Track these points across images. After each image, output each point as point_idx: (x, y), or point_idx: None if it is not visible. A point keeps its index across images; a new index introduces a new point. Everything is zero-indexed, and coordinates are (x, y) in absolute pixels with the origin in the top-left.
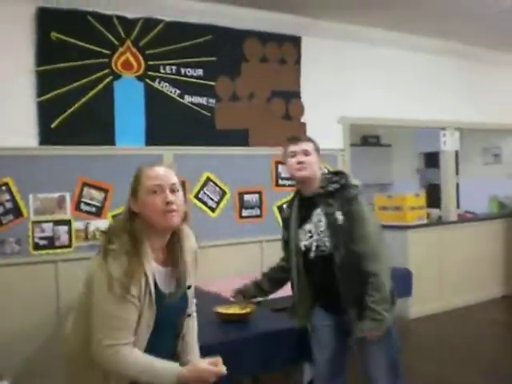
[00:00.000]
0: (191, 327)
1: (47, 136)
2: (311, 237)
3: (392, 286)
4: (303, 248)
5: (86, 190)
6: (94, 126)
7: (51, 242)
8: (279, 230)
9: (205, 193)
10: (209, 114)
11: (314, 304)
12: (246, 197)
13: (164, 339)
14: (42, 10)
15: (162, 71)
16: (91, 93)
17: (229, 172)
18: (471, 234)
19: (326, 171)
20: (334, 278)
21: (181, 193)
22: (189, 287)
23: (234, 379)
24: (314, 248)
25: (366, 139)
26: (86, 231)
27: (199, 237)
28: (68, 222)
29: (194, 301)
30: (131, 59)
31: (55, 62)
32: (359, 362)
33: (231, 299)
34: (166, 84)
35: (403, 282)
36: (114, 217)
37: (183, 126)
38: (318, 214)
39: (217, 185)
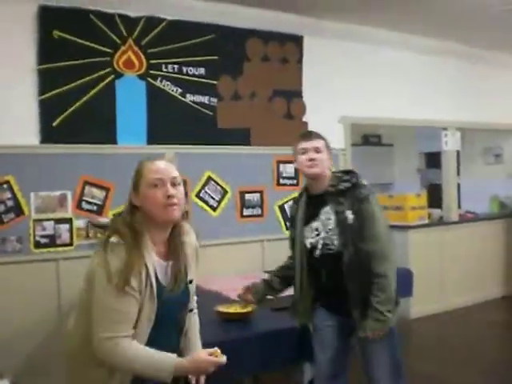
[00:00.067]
0: (193, 323)
1: (49, 134)
2: (318, 234)
3: (396, 287)
4: (309, 245)
5: (87, 188)
6: (96, 124)
7: (52, 241)
8: (280, 230)
9: (206, 192)
10: (210, 113)
11: (315, 303)
12: (247, 196)
13: (166, 334)
14: (44, 9)
15: (163, 70)
16: (93, 91)
17: (230, 171)
18: (472, 234)
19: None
20: (340, 276)
21: (181, 187)
22: (190, 281)
23: (235, 379)
24: (320, 246)
25: (368, 139)
26: (87, 230)
27: (200, 235)
28: (69, 221)
29: (195, 297)
30: (133, 58)
31: (57, 60)
32: (361, 362)
33: (237, 298)
34: (168, 83)
35: (404, 282)
36: (114, 215)
37: (185, 125)
38: (327, 212)
39: (218, 184)
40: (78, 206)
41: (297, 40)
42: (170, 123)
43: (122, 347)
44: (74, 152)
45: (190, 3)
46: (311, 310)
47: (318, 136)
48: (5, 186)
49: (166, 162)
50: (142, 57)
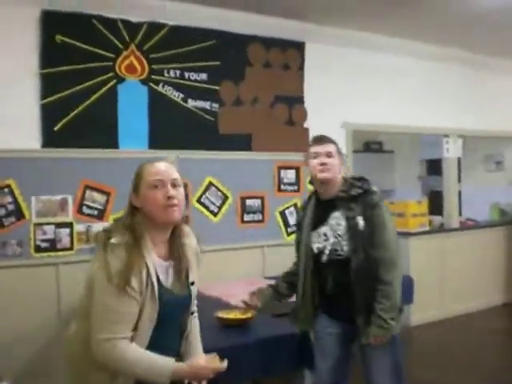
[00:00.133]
0: (194, 327)
1: (50, 138)
2: (326, 240)
3: (401, 295)
4: (315, 250)
5: (88, 192)
6: (98, 129)
7: (53, 245)
8: (281, 236)
9: (207, 197)
10: (212, 119)
11: (317, 310)
12: (248, 202)
13: (168, 337)
14: (47, 13)
15: (165, 75)
16: (95, 96)
17: (231, 176)
18: (473, 241)
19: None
20: (347, 282)
21: (182, 188)
22: (192, 283)
23: None
24: (327, 251)
25: (369, 145)
26: (88, 234)
27: (201, 239)
28: (70, 225)
29: (195, 301)
30: (135, 63)
31: (59, 64)
32: (362, 369)
33: (242, 303)
34: (170, 88)
35: (405, 289)
36: (115, 219)
37: (186, 130)
38: (337, 218)
39: (219, 189)
40: (79, 211)
41: (298, 46)
42: (171, 128)
43: (120, 349)
44: (75, 156)
45: (192, 9)
46: (313, 317)
47: (330, 141)
48: (6, 189)
49: (167, 164)
50: (144, 62)
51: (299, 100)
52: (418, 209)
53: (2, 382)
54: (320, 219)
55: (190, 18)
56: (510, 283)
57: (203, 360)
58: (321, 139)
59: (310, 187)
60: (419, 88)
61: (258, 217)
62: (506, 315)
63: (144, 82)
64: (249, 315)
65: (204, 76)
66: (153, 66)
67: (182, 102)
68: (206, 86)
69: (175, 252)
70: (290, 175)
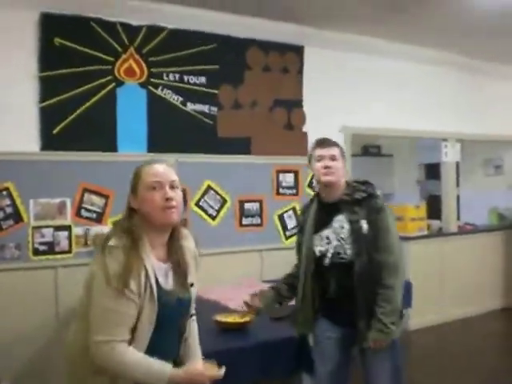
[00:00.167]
0: (193, 330)
1: (49, 141)
2: (329, 243)
3: (402, 300)
4: (318, 253)
5: (86, 195)
6: (97, 132)
7: (51, 248)
8: (279, 239)
9: (205, 201)
10: (211, 122)
11: (317, 314)
12: (247, 205)
13: (167, 339)
14: (46, 16)
15: (164, 78)
16: (94, 99)
17: (230, 180)
18: (471, 245)
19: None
20: (350, 286)
21: (180, 191)
22: (191, 285)
23: None
24: (330, 254)
25: (367, 149)
26: (86, 237)
27: (199, 243)
28: (68, 228)
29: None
30: (134, 66)
31: (58, 67)
32: (362, 373)
33: (243, 304)
34: (169, 91)
35: (403, 293)
36: (114, 222)
37: (185, 134)
38: (340, 221)
39: (217, 193)
40: (77, 214)
41: (297, 50)
42: (170, 132)
43: (118, 352)
44: (73, 159)
45: (192, 12)
46: (312, 320)
47: (334, 144)
48: (4, 192)
49: (165, 166)
50: (143, 65)
51: (298, 104)
52: (417, 213)
53: (2, 383)
54: (323, 222)
55: (189, 22)
56: (509, 288)
57: (200, 366)
58: (325, 142)
59: (309, 191)
60: (418, 92)
61: (257, 220)
62: (504, 319)
63: (143, 85)
64: (247, 319)
65: (203, 79)
66: (152, 70)
67: (180, 106)
68: (204, 89)
69: (174, 254)
70: (288, 179)
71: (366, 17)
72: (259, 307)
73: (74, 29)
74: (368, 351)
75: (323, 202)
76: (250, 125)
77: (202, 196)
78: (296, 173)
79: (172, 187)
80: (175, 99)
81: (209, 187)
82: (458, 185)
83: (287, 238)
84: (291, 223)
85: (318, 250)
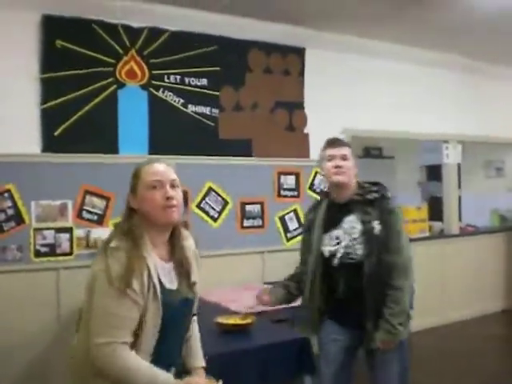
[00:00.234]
0: (194, 330)
1: (50, 143)
2: (338, 243)
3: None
4: (327, 254)
5: (88, 197)
6: (98, 134)
7: (52, 250)
8: (281, 241)
9: (207, 202)
10: (212, 124)
11: (322, 315)
12: (248, 207)
13: (171, 340)
14: (48, 18)
15: (166, 80)
16: (95, 101)
17: (231, 182)
18: (473, 247)
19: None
20: (359, 286)
21: (180, 190)
22: (194, 283)
23: None
24: (339, 255)
25: (369, 151)
26: (88, 239)
27: (199, 243)
28: (69, 230)
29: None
30: (135, 68)
31: (60, 69)
32: (369, 375)
33: (256, 304)
34: (170, 93)
35: None
36: (115, 224)
37: (186, 136)
38: (351, 221)
39: (219, 194)
40: (79, 216)
41: (299, 52)
42: (171, 133)
43: (120, 354)
44: (75, 161)
45: (193, 14)
46: (318, 322)
47: (344, 144)
48: (5, 194)
49: (165, 165)
50: (145, 67)
51: (299, 105)
52: (418, 214)
53: None
54: (332, 222)
55: (190, 24)
56: (510, 290)
57: (201, 380)
58: (336, 142)
59: (310, 193)
60: (419, 94)
61: (258, 222)
62: (505, 322)
63: (144, 87)
64: (248, 321)
65: (204, 81)
66: (153, 72)
67: (182, 108)
68: (206, 91)
69: (175, 253)
70: (289, 181)
71: (367, 18)
72: (270, 302)
73: (76, 31)
74: (376, 352)
75: (333, 202)
76: (251, 126)
77: (204, 198)
78: (297, 175)
79: (172, 186)
80: (176, 101)
81: (210, 189)
82: (459, 186)
83: (288, 239)
84: (292, 225)
85: (327, 250)
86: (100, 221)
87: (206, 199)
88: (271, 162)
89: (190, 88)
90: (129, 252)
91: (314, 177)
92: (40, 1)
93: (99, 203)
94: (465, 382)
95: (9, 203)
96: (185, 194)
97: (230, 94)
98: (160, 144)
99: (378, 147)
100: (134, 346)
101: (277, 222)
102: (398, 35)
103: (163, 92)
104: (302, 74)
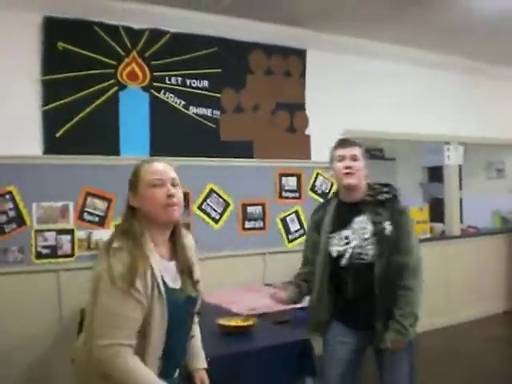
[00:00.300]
0: (195, 331)
1: (52, 145)
2: (348, 243)
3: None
4: (335, 254)
5: (89, 199)
6: (99, 135)
7: (54, 251)
8: (282, 243)
9: (208, 204)
10: (213, 126)
11: (331, 317)
12: (250, 209)
13: (177, 340)
14: (49, 20)
15: (167, 82)
16: (96, 103)
17: (232, 183)
18: (474, 248)
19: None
20: (368, 287)
21: (180, 188)
22: (197, 281)
23: None
24: (348, 255)
25: (370, 152)
26: (89, 241)
27: (198, 243)
28: (71, 231)
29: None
30: (137, 70)
31: (61, 71)
32: (378, 375)
33: (269, 297)
34: (171, 95)
35: None
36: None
37: (188, 137)
38: (361, 222)
39: (220, 196)
40: (80, 217)
41: (300, 53)
42: (172, 135)
43: (123, 356)
44: (76, 163)
45: (194, 16)
46: (326, 324)
47: (355, 143)
48: (7, 196)
49: (165, 164)
50: (146, 69)
51: (300, 107)
52: (420, 216)
53: None
54: (341, 222)
55: (191, 25)
56: (511, 291)
57: None
58: (346, 142)
59: (312, 194)
60: (420, 95)
61: (260, 224)
62: (506, 323)
63: (145, 88)
64: (250, 322)
65: (205, 83)
66: (154, 73)
67: (183, 109)
68: (207, 93)
69: (177, 251)
70: (291, 182)
71: (368, 19)
72: (286, 300)
73: (77, 33)
74: (385, 352)
75: (343, 202)
76: (252, 128)
77: (205, 199)
78: (299, 176)
79: (173, 184)
80: (178, 103)
81: (211, 190)
82: (460, 188)
83: (290, 241)
84: (294, 226)
85: (335, 250)
86: (101, 222)
87: (208, 201)
88: (272, 163)
89: (191, 90)
90: (131, 252)
91: (316, 178)
92: (41, 2)
93: (100, 205)
94: (469, 382)
95: (10, 205)
96: (185, 195)
97: (231, 95)
98: (161, 146)
99: (379, 148)
100: (142, 348)
101: (278, 223)
102: (398, 36)
103: (164, 94)
104: (303, 75)
